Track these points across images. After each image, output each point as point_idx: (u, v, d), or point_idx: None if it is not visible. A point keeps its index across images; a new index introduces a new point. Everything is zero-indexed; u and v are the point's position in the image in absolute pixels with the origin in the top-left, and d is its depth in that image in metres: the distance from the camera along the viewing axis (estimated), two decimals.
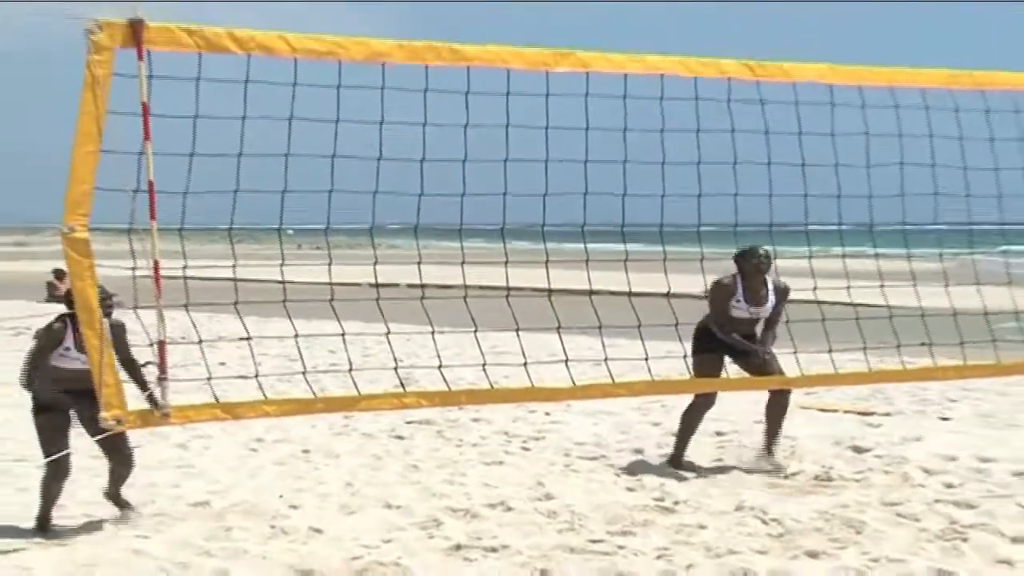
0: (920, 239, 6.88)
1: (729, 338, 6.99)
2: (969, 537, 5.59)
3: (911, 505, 6.22)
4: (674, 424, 7.58)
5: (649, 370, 6.22)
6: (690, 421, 7.24)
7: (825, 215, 5.89)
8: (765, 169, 5.52)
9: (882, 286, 6.71)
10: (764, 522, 5.96)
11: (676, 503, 6.39)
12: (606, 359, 6.27)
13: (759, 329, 7.20)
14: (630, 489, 6.77)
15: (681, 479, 6.96)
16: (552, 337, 6.26)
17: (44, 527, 5.85)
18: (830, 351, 6.82)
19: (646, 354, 6.18)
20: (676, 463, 7.22)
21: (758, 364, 7.11)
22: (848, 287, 6.62)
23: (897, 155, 5.76)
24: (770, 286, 7.08)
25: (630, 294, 5.83)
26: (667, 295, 6.04)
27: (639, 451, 7.86)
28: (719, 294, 7.03)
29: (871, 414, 9.32)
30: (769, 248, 6.92)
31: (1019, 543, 5.50)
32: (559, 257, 5.81)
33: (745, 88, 5.53)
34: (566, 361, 6.00)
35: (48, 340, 5.68)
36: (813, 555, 5.40)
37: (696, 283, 6.88)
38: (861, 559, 5.33)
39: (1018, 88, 5.92)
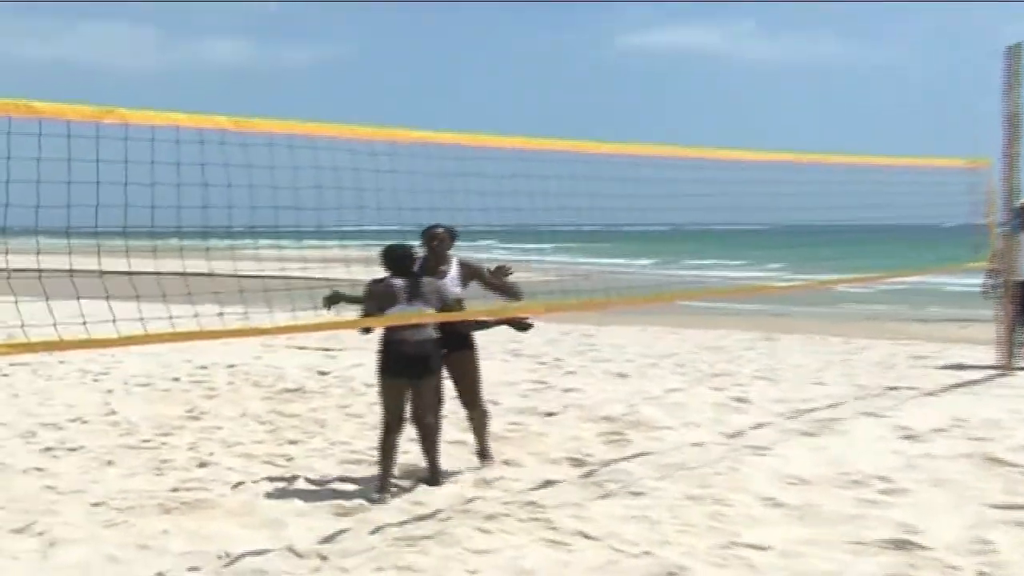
0: None
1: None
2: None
3: (358, 407, 9.15)
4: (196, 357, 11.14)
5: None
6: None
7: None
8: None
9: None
10: (261, 422, 8.62)
11: (203, 413, 9.06)
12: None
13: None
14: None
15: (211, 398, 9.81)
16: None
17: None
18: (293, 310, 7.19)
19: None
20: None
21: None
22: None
23: None
24: (453, 263, 6.96)
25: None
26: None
27: (176, 379, 10.87)
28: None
29: (330, 350, 12.85)
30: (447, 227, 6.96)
31: None
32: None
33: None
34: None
35: None
36: (292, 442, 7.84)
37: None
38: (325, 443, 7.81)
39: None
